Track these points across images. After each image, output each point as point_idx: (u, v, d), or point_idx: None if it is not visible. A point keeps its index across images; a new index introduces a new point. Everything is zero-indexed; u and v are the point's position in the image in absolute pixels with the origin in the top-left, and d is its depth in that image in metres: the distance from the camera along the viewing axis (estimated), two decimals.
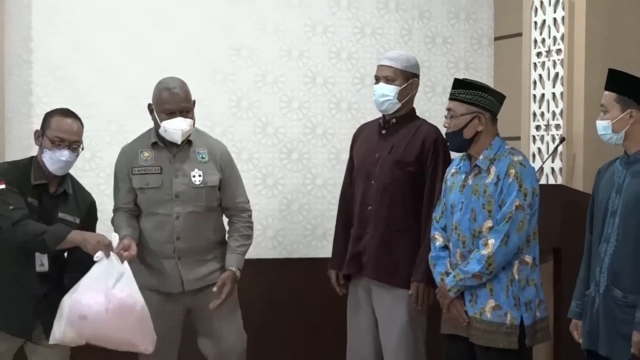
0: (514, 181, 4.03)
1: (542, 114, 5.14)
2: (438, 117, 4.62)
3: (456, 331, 4.16)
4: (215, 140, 4.60)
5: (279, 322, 5.44)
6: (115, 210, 4.51)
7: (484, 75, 5.79)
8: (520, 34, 5.36)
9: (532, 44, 5.21)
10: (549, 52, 5.09)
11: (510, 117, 5.11)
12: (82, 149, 4.27)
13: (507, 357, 4.03)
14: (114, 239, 4.17)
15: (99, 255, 4.11)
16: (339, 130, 5.63)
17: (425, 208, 4.49)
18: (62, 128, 4.17)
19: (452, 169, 4.28)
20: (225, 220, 4.60)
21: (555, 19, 5.04)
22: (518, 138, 5.27)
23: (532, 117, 5.21)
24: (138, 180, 4.43)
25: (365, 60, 5.64)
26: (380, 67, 4.61)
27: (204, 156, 4.47)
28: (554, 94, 5.05)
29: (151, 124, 5.29)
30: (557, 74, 5.02)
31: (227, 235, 4.55)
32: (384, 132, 4.63)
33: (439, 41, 5.81)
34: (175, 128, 4.35)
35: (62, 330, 4.07)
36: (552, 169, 5.04)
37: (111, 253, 4.09)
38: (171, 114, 4.36)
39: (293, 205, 5.60)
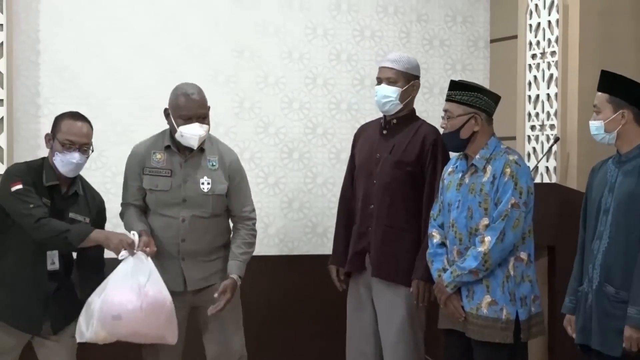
0: (509, 180, 4.04)
1: (537, 115, 5.14)
2: (436, 118, 4.62)
3: (453, 326, 4.17)
4: (227, 148, 4.56)
5: (280, 317, 5.44)
6: (125, 205, 4.50)
7: (480, 77, 5.79)
8: (515, 37, 5.36)
9: (527, 46, 5.21)
10: (543, 54, 5.09)
11: (506, 117, 5.12)
12: (92, 150, 4.28)
13: (502, 351, 4.04)
14: (135, 237, 4.20)
15: (123, 254, 4.14)
16: (339, 130, 5.64)
17: (425, 207, 4.49)
18: (72, 131, 4.19)
19: (449, 168, 4.28)
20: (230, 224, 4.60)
21: (549, 22, 5.04)
22: (513, 138, 5.27)
23: (527, 117, 5.21)
24: (148, 181, 4.42)
25: (365, 62, 5.65)
26: (382, 68, 4.61)
27: (214, 164, 4.44)
28: (548, 95, 5.05)
29: (155, 125, 5.31)
30: (551, 76, 5.02)
31: (231, 240, 4.53)
32: (385, 132, 4.64)
33: (436, 43, 5.81)
34: (192, 133, 4.33)
35: (94, 331, 4.08)
36: (547, 168, 5.05)
37: (136, 251, 4.14)
38: (188, 120, 4.33)
39: (294, 204, 5.61)
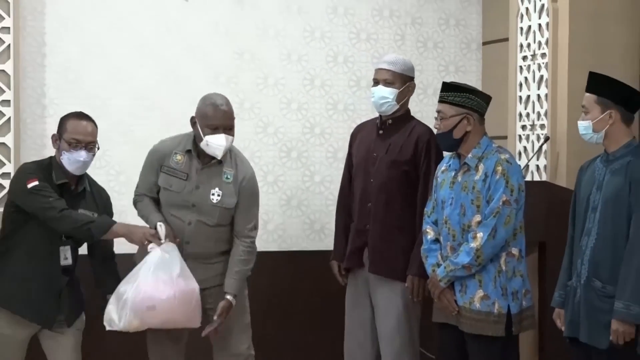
0: (501, 178, 4.04)
1: (528, 115, 5.14)
2: (430, 118, 4.63)
3: (447, 320, 4.18)
4: (244, 163, 4.50)
5: (280, 310, 5.45)
6: (140, 195, 4.48)
7: (472, 78, 5.80)
8: (506, 39, 5.36)
9: (518, 49, 5.20)
10: (534, 56, 5.09)
11: (498, 117, 5.11)
12: (98, 148, 4.29)
13: (495, 344, 4.05)
14: (160, 228, 4.21)
15: (152, 246, 4.17)
16: (336, 130, 5.64)
17: (419, 205, 4.50)
18: (78, 130, 4.20)
19: (442, 167, 4.29)
20: None
21: (540, 25, 5.04)
22: (505, 137, 5.27)
23: (518, 117, 5.21)
24: (163, 179, 4.40)
25: (361, 64, 5.65)
26: (379, 70, 4.62)
27: (229, 177, 4.41)
28: (538, 95, 5.05)
29: (156, 124, 5.34)
30: (541, 77, 5.02)
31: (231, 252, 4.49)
32: (381, 132, 4.64)
33: (430, 46, 5.82)
34: (218, 144, 4.30)
35: (127, 320, 4.11)
36: (537, 166, 5.05)
37: (164, 241, 4.17)
38: (215, 130, 4.30)
39: (292, 201, 5.62)
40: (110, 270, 4.39)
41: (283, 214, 5.59)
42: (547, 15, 4.96)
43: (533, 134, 5.09)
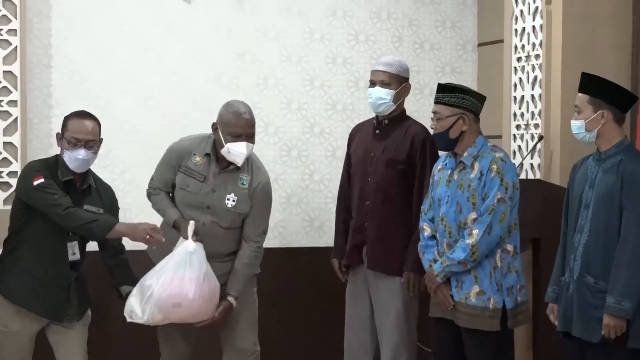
0: (496, 176, 4.04)
1: (522, 114, 5.14)
2: (426, 118, 4.63)
3: (443, 314, 4.18)
4: (260, 169, 4.49)
5: (279, 305, 5.45)
6: (156, 189, 4.47)
7: (468, 79, 5.79)
8: (501, 41, 5.36)
9: (513, 50, 5.20)
10: (528, 57, 5.09)
11: (493, 117, 5.12)
12: (100, 146, 4.28)
13: (490, 338, 4.05)
14: (190, 226, 4.22)
15: (180, 242, 4.22)
16: (335, 129, 5.64)
17: (415, 202, 4.51)
18: (77, 129, 4.20)
19: (438, 165, 4.29)
20: None
21: (534, 27, 5.04)
22: (500, 136, 5.27)
23: (512, 117, 5.21)
24: (181, 179, 4.39)
25: (359, 65, 5.65)
26: (375, 72, 4.61)
27: (244, 183, 4.39)
28: (532, 95, 5.05)
29: (158, 124, 5.33)
30: (535, 78, 5.03)
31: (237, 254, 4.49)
32: (377, 132, 4.64)
33: (426, 47, 5.82)
34: (239, 151, 4.29)
35: (150, 314, 4.12)
36: (531, 164, 5.05)
37: (190, 239, 4.19)
38: (237, 137, 4.29)
39: (292, 199, 5.62)
40: (122, 263, 4.40)
41: (283, 211, 5.59)
42: (541, 17, 4.97)
43: (527, 133, 5.09)
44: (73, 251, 4.24)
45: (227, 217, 4.38)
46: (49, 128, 5.15)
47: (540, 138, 4.92)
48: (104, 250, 4.43)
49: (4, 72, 4.99)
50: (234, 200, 4.36)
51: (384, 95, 4.56)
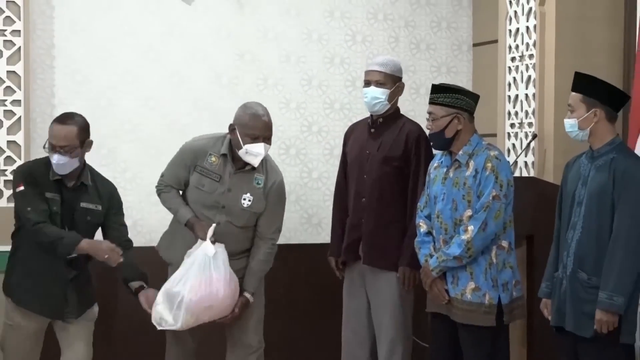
0: (490, 174, 4.04)
1: (516, 113, 5.13)
2: (422, 116, 4.62)
3: (439, 310, 4.18)
4: (274, 168, 4.50)
5: (278, 301, 5.44)
6: (167, 186, 4.44)
7: (463, 79, 5.79)
8: (496, 41, 5.35)
9: (507, 50, 5.19)
10: (522, 57, 5.08)
11: (488, 116, 5.12)
12: (85, 149, 4.21)
13: (486, 333, 4.05)
14: (211, 228, 4.22)
15: (198, 244, 4.21)
16: (333, 128, 5.63)
17: (410, 199, 4.52)
18: (52, 134, 4.18)
19: (434, 163, 4.29)
20: None
21: (528, 27, 5.03)
22: (494, 135, 5.27)
23: (507, 115, 5.20)
24: (196, 179, 4.37)
25: (357, 65, 5.64)
26: (370, 72, 4.61)
27: (259, 182, 4.40)
28: (526, 95, 5.05)
29: (161, 124, 5.32)
30: (529, 77, 5.02)
31: (251, 251, 4.49)
32: (372, 130, 4.65)
33: (422, 47, 5.80)
34: (257, 152, 4.28)
35: (184, 320, 4.14)
36: (525, 162, 5.04)
37: (208, 240, 4.20)
38: (255, 139, 4.28)
39: (291, 196, 5.59)
40: (132, 259, 4.32)
41: None
42: (535, 18, 4.96)
43: (521, 131, 5.09)
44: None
45: (243, 217, 4.37)
46: None
47: (534, 136, 4.92)
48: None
49: (7, 72, 4.98)
50: (249, 200, 4.36)
51: (379, 94, 4.55)
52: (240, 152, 4.30)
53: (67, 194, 4.20)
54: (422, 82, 5.76)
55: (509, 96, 5.19)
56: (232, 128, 4.34)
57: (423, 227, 4.25)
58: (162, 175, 4.48)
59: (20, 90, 4.99)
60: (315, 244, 5.48)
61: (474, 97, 4.18)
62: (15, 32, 4.98)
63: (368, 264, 4.59)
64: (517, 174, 5.03)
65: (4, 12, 4.97)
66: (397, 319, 4.57)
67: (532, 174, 4.96)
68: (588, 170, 3.87)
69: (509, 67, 5.19)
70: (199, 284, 4.13)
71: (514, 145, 5.15)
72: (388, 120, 4.62)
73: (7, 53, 4.98)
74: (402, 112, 4.73)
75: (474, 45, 5.87)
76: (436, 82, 4.38)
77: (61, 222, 4.17)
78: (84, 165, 4.27)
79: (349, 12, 5.67)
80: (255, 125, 4.29)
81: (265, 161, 4.43)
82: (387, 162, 4.54)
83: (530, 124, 5.01)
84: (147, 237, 5.19)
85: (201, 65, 5.40)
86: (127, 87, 5.28)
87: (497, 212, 4.01)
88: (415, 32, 5.78)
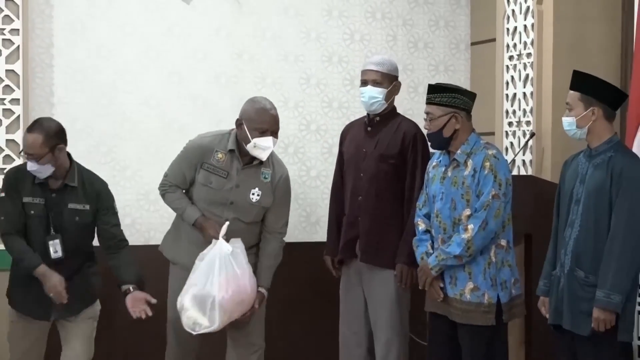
0: (489, 173, 4.02)
1: (514, 112, 5.12)
2: (420, 115, 4.60)
3: (438, 310, 4.16)
4: (280, 162, 4.51)
5: (275, 299, 5.41)
6: (172, 186, 4.42)
7: (461, 77, 5.77)
8: (494, 40, 5.34)
9: (505, 49, 5.19)
10: (520, 55, 5.07)
11: (485, 114, 5.12)
12: (54, 154, 4.15)
13: (484, 332, 4.03)
14: (224, 227, 4.22)
15: (213, 244, 4.22)
16: (331, 127, 5.61)
17: (407, 196, 4.51)
18: (23, 141, 4.20)
19: (433, 162, 4.27)
20: None
21: (525, 26, 5.02)
22: (492, 133, 5.26)
23: (505, 114, 5.19)
24: (203, 176, 4.35)
25: (355, 64, 5.61)
26: (367, 71, 4.60)
27: (266, 177, 4.40)
28: (524, 93, 5.03)
29: (161, 122, 5.29)
30: (527, 76, 5.01)
31: (260, 247, 4.50)
32: (369, 129, 4.64)
33: (420, 46, 5.78)
34: (265, 146, 4.28)
35: (220, 320, 4.15)
36: (523, 161, 5.03)
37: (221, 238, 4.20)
38: (264, 133, 4.28)
39: None
40: (125, 260, 4.30)
41: None
42: (532, 17, 4.95)
43: (519, 130, 5.07)
44: (55, 249, 4.17)
45: (251, 212, 4.37)
46: None
47: (532, 135, 4.90)
48: (104, 247, 4.34)
49: (6, 71, 4.96)
50: (258, 195, 4.36)
51: (376, 94, 4.54)
52: (249, 147, 4.30)
53: (52, 197, 4.18)
54: (420, 80, 5.74)
55: (507, 95, 5.18)
56: (239, 123, 4.33)
57: (421, 225, 4.23)
58: (165, 175, 4.46)
59: (19, 89, 4.97)
60: (313, 242, 5.45)
61: (471, 96, 4.16)
62: (14, 31, 4.96)
63: (365, 262, 4.58)
64: (515, 172, 5.03)
65: (2, 10, 4.95)
66: (394, 316, 4.56)
67: (530, 173, 4.95)
68: (586, 169, 3.86)
69: (507, 66, 5.18)
70: (226, 281, 4.13)
71: (511, 143, 5.14)
72: (384, 118, 4.61)
73: (5, 52, 4.96)
74: (400, 111, 4.74)
75: (472, 44, 5.85)
76: (434, 81, 4.37)
77: (51, 225, 4.15)
78: (70, 166, 4.22)
79: (347, 11, 5.65)
80: (263, 119, 4.29)
81: (271, 155, 4.43)
82: (383, 160, 4.53)
83: (528, 123, 4.99)
84: (146, 236, 5.18)
85: (200, 65, 5.38)
86: (126, 86, 5.26)
87: (497, 210, 3.99)
88: (413, 30, 5.76)
